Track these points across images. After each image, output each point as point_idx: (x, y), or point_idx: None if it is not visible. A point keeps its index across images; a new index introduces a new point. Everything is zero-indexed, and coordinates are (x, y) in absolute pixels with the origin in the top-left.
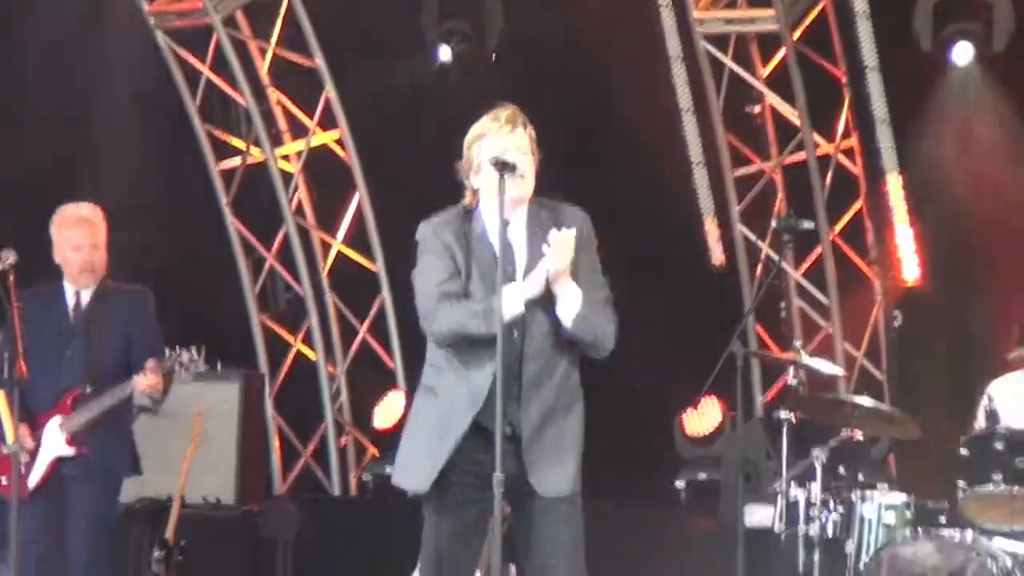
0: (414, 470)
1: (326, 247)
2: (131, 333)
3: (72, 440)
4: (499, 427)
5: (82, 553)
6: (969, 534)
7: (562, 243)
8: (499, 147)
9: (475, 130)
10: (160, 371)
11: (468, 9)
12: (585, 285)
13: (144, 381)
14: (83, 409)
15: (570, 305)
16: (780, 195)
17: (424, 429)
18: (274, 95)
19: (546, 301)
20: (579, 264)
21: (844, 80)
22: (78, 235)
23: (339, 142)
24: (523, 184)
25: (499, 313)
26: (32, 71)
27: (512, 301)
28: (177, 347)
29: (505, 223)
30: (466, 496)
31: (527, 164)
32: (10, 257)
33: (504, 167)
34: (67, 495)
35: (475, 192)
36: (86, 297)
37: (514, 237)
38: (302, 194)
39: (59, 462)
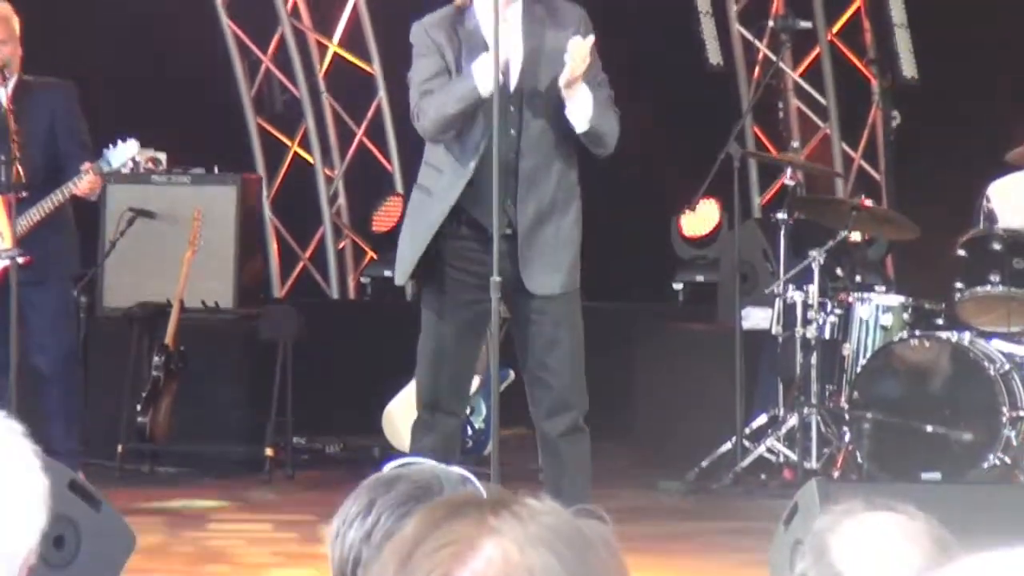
0: (404, 264)
1: (322, 49)
2: (57, 127)
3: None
4: (496, 226)
5: (48, 357)
6: (967, 336)
7: (581, 50)
8: None
9: None
10: (97, 171)
11: None
12: (590, 84)
13: (82, 184)
14: (24, 215)
15: (583, 109)
16: None
17: (419, 226)
18: None
19: (542, 95)
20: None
21: None
22: None
23: None
24: None
25: (480, 89)
26: None
27: (486, 74)
28: (110, 144)
29: (499, 18)
30: (465, 295)
31: None
32: None
33: None
34: (23, 300)
35: None
36: (6, 94)
37: (508, 32)
38: None
39: (6, 271)
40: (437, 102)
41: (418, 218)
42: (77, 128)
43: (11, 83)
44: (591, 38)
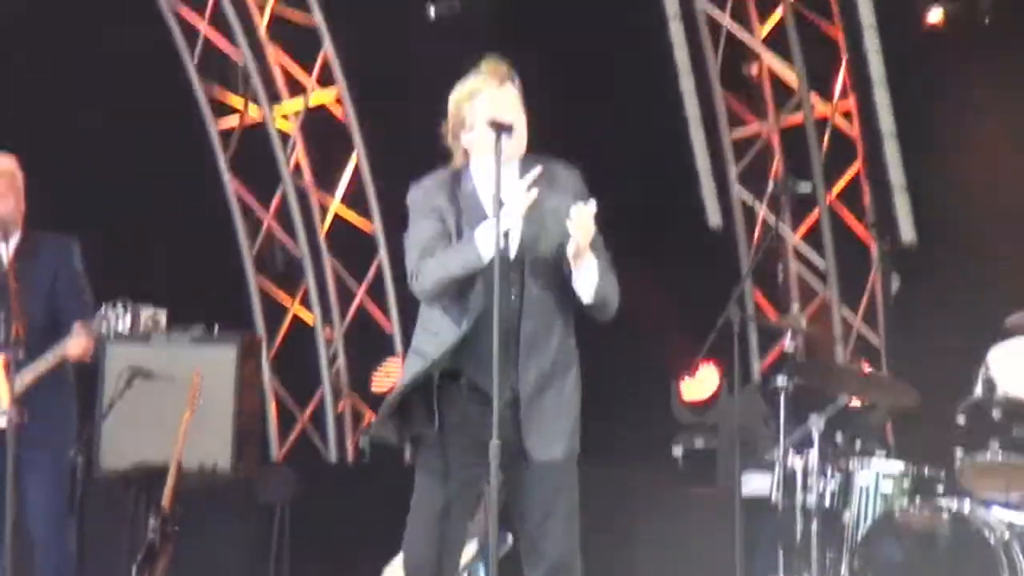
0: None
1: (324, 208)
2: (59, 283)
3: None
4: (496, 390)
5: (39, 521)
6: (966, 504)
7: (585, 217)
8: (491, 105)
9: (464, 88)
10: (89, 332)
11: None
12: (591, 249)
13: (74, 346)
14: (17, 376)
15: (590, 279)
16: (777, 157)
17: (408, 382)
18: (272, 53)
19: (544, 259)
20: None
21: (842, 40)
22: None
23: (337, 100)
24: (517, 141)
25: (481, 255)
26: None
27: (487, 239)
28: (103, 305)
29: (500, 182)
30: (462, 459)
31: (520, 121)
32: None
33: (501, 128)
34: (18, 461)
35: (465, 151)
36: (8, 251)
37: (505, 197)
38: (300, 154)
39: (1, 431)
40: (438, 264)
41: (405, 377)
42: (79, 285)
43: (14, 240)
44: (592, 204)
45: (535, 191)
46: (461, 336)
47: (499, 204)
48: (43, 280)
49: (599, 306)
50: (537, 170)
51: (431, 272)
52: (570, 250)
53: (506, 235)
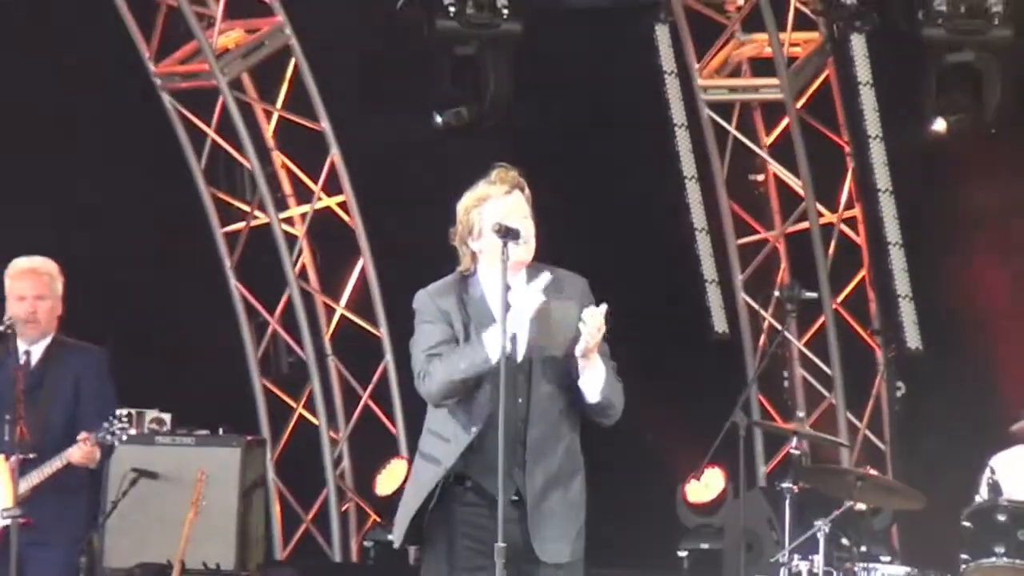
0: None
1: (329, 311)
2: (81, 393)
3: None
4: (502, 493)
5: None
6: None
7: (596, 319)
8: (500, 212)
9: (473, 194)
10: (93, 441)
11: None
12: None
13: (78, 453)
14: (25, 478)
15: (596, 380)
16: (783, 264)
17: (414, 489)
18: (279, 158)
19: (550, 363)
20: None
21: (847, 149)
22: (22, 286)
23: (343, 206)
24: (525, 248)
25: (490, 357)
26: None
27: (495, 341)
28: (110, 417)
29: (507, 288)
30: (469, 563)
31: (528, 228)
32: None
33: (508, 233)
34: (24, 562)
35: (473, 256)
36: (37, 354)
37: (514, 302)
38: (306, 258)
39: (6, 529)
40: (445, 367)
41: (423, 489)
42: (100, 396)
43: (43, 343)
44: (604, 307)
45: (543, 296)
46: (469, 442)
47: (506, 308)
48: (65, 387)
49: (604, 408)
50: (546, 276)
51: (438, 374)
52: (579, 350)
53: (513, 338)
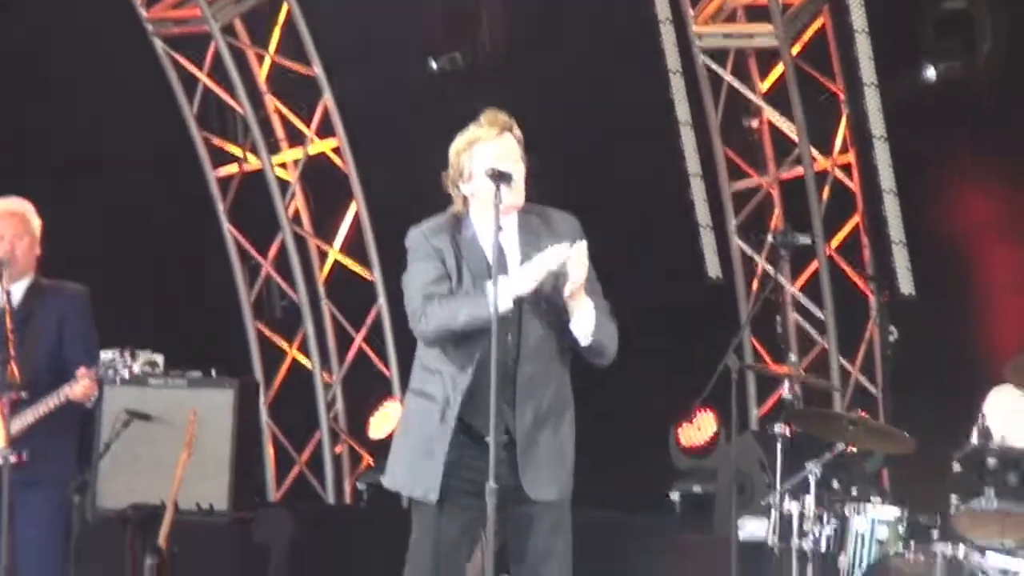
0: (410, 474)
1: (323, 255)
2: (64, 332)
3: (9, 446)
4: (493, 433)
5: (33, 560)
6: (961, 549)
7: (579, 255)
8: (491, 155)
9: (464, 138)
10: (93, 377)
11: (469, 24)
12: (589, 296)
13: (77, 390)
14: (18, 416)
15: (587, 321)
16: (777, 210)
17: (420, 432)
18: (272, 103)
19: (541, 303)
20: None
21: (842, 96)
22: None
23: (337, 151)
24: (516, 191)
25: (492, 309)
26: (26, 73)
27: (502, 295)
28: (113, 352)
29: (499, 229)
30: (460, 502)
31: (519, 172)
32: None
33: (500, 177)
34: (15, 501)
35: (465, 199)
36: (18, 294)
37: (506, 243)
38: (299, 202)
39: None
40: (445, 312)
41: (417, 427)
42: (85, 335)
43: (24, 284)
44: (584, 243)
45: (552, 264)
46: (468, 384)
47: (498, 252)
48: (49, 327)
49: (596, 350)
50: (555, 253)
51: (436, 317)
52: (567, 290)
53: (519, 301)
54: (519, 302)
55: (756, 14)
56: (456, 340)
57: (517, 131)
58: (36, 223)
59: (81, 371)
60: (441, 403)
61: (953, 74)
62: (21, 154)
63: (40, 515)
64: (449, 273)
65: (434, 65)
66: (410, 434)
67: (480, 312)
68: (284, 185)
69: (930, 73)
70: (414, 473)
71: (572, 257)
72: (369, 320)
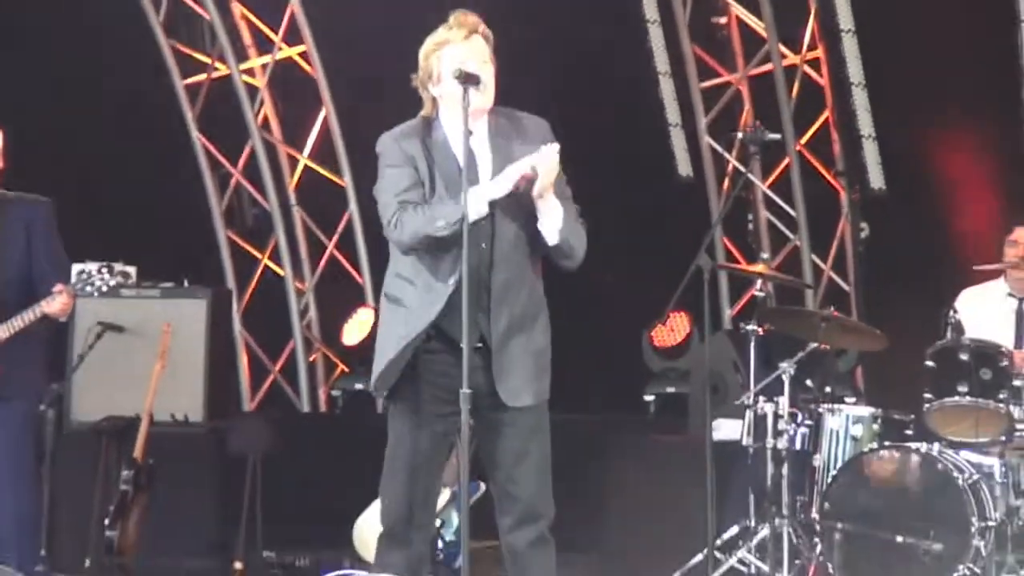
0: (383, 376)
1: (293, 162)
2: (32, 244)
3: None
4: (467, 339)
5: (4, 475)
6: (936, 447)
7: (549, 157)
8: (459, 57)
9: (433, 39)
10: (71, 292)
11: None
12: (558, 198)
13: (54, 305)
14: None
15: (554, 221)
16: (747, 107)
17: (394, 338)
18: (238, 8)
19: (513, 210)
20: None
21: None
22: None
23: (304, 56)
24: (485, 94)
25: (464, 215)
26: None
27: (476, 202)
28: (86, 265)
29: (468, 133)
30: (436, 408)
31: (488, 73)
32: None
33: (468, 79)
34: None
35: (434, 101)
36: None
37: (476, 146)
38: (268, 109)
39: None
40: (420, 219)
41: (389, 330)
42: (53, 247)
43: None
44: (556, 146)
45: (526, 170)
46: (449, 294)
47: (469, 156)
48: (15, 239)
49: (564, 251)
50: (528, 161)
51: (412, 224)
52: (535, 190)
53: (491, 206)
54: (492, 207)
55: None
56: (430, 247)
57: (487, 31)
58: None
59: (58, 287)
60: (413, 309)
61: None
62: None
63: (11, 429)
64: (422, 179)
65: None
66: (383, 339)
67: (455, 217)
68: (252, 92)
69: None
70: (382, 374)
71: (541, 159)
72: (340, 227)
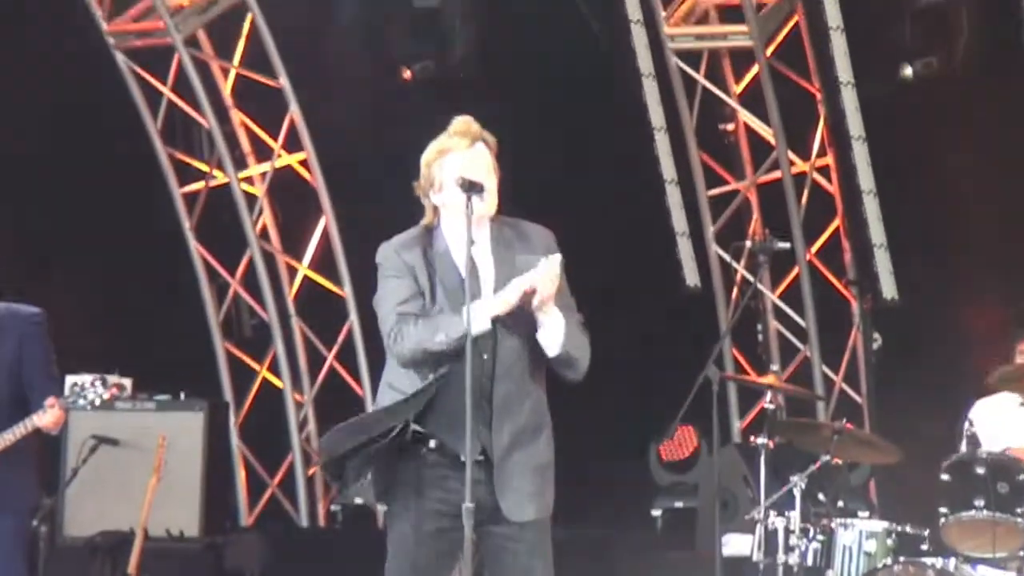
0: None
1: (292, 272)
2: (24, 356)
3: None
4: (469, 455)
5: None
6: (952, 562)
7: (551, 269)
8: (462, 165)
9: (435, 147)
10: (62, 406)
11: (434, 30)
12: (560, 309)
13: (46, 419)
14: None
15: (555, 333)
16: (755, 215)
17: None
18: (237, 116)
19: (516, 321)
20: None
21: (819, 96)
22: None
23: (304, 164)
24: (488, 201)
25: (467, 330)
26: None
27: (479, 317)
28: (79, 377)
29: (471, 243)
30: (437, 524)
31: (492, 181)
32: None
33: (471, 187)
34: None
35: (436, 210)
36: None
37: (479, 256)
38: (267, 217)
39: None
40: (421, 333)
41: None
42: (45, 359)
43: None
44: (559, 256)
45: (527, 286)
46: (428, 388)
47: (471, 264)
48: (8, 351)
49: (566, 362)
50: (531, 277)
51: (412, 338)
52: (535, 302)
53: (477, 293)
54: (494, 321)
55: (729, 15)
56: (429, 362)
57: (490, 139)
58: None
59: (50, 400)
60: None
61: (930, 72)
62: None
63: (2, 544)
64: (422, 290)
65: (407, 73)
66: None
67: (457, 332)
68: (251, 200)
69: (906, 71)
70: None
71: (542, 269)
72: (341, 338)
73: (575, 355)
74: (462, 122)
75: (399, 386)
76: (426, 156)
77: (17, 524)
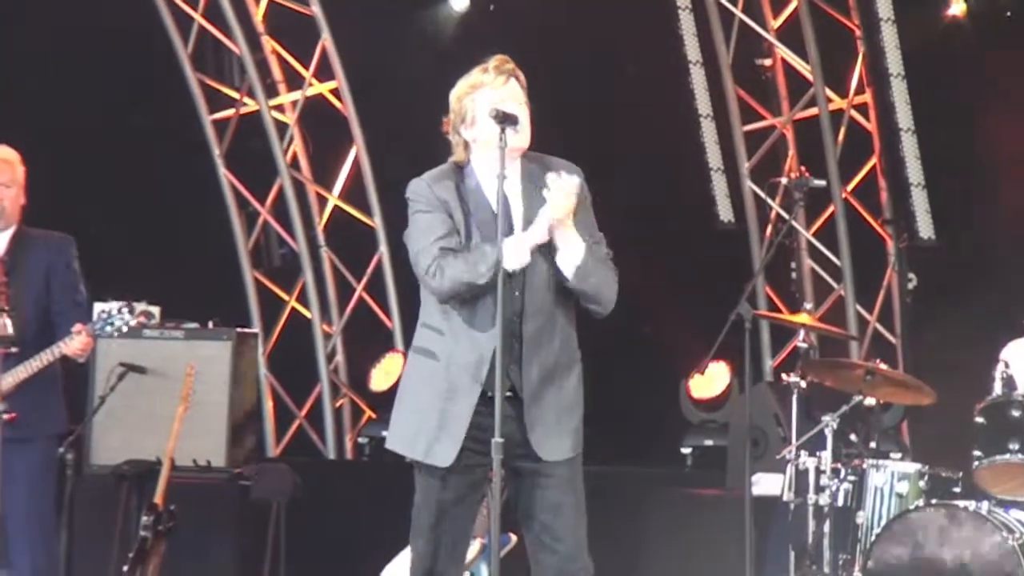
0: (418, 438)
1: (322, 201)
2: (52, 282)
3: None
4: (499, 389)
5: (20, 519)
6: (984, 505)
7: (563, 188)
8: (495, 99)
9: (467, 82)
10: (91, 332)
11: None
12: (586, 240)
13: (73, 345)
14: (11, 372)
15: (573, 254)
16: (791, 151)
17: (426, 394)
18: (269, 44)
19: (546, 257)
20: (576, 223)
21: (858, 33)
22: None
23: (335, 93)
24: (522, 135)
25: (500, 263)
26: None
27: (518, 251)
28: (107, 304)
29: (503, 177)
30: (465, 460)
31: (525, 114)
32: None
33: (505, 119)
34: (5, 458)
35: (466, 145)
36: (2, 245)
37: (509, 191)
38: (297, 146)
39: None
40: (462, 266)
41: (418, 388)
42: (72, 285)
43: (8, 233)
44: (574, 178)
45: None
46: (492, 347)
47: (503, 197)
48: (36, 277)
49: (589, 295)
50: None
51: (453, 271)
52: (548, 217)
53: (509, 230)
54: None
55: None
56: (469, 295)
57: (522, 77)
58: (21, 171)
59: (77, 327)
60: (451, 367)
61: (980, 7)
62: (9, 99)
63: (31, 471)
64: (457, 226)
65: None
66: (412, 395)
67: (494, 263)
68: (282, 129)
69: (956, 8)
70: (417, 435)
71: (555, 186)
72: (370, 269)
73: (600, 288)
74: (496, 59)
75: (434, 324)
76: (457, 91)
77: (45, 451)
